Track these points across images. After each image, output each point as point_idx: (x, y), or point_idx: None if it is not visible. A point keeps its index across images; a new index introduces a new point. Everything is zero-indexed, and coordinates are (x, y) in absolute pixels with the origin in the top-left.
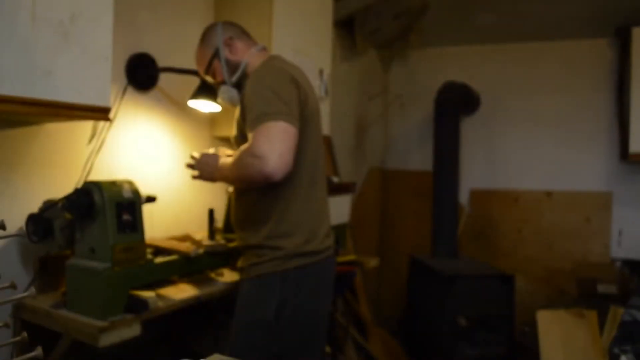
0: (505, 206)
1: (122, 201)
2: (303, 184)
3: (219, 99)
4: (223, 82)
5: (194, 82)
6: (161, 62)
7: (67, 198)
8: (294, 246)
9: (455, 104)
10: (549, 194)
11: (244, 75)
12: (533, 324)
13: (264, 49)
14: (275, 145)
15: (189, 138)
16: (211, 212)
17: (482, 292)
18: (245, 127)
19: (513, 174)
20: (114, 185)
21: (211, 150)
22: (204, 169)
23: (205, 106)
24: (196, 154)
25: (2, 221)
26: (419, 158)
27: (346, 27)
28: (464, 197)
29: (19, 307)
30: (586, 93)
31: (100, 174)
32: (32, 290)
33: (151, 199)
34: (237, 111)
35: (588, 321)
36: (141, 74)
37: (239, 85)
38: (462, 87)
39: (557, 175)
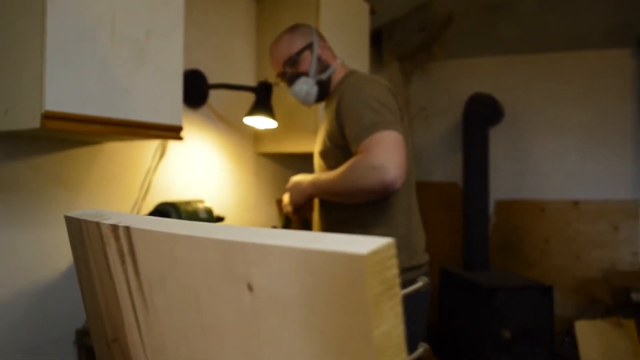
0: (532, 216)
1: (198, 221)
2: (402, 196)
3: (294, 88)
4: (304, 75)
5: (240, 98)
6: (209, 79)
7: None
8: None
9: (484, 115)
10: (576, 203)
11: (327, 81)
12: (567, 334)
13: (344, 63)
14: (392, 155)
15: (233, 155)
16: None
17: (521, 304)
18: (343, 139)
19: (539, 184)
20: (189, 205)
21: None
22: (293, 190)
23: (261, 122)
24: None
25: None
26: (444, 169)
27: (372, 40)
28: (489, 208)
29: (83, 333)
30: (610, 102)
31: (156, 193)
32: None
33: (220, 219)
34: (324, 126)
35: (627, 330)
36: (194, 91)
37: (320, 88)
38: (489, 98)
39: (584, 185)
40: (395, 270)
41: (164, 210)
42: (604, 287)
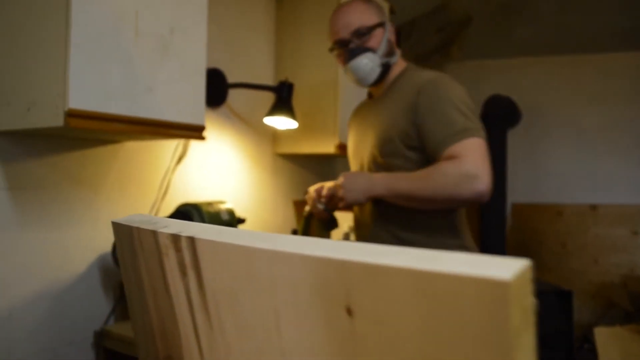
0: (549, 220)
1: (220, 223)
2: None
3: (358, 61)
4: (371, 51)
5: (259, 98)
6: (228, 78)
7: None
8: None
9: (502, 117)
10: (593, 207)
11: (388, 68)
12: (584, 340)
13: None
14: (485, 164)
15: (252, 155)
16: (294, 233)
17: (540, 309)
18: (419, 139)
19: (556, 188)
20: (211, 206)
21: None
22: (352, 189)
23: (281, 123)
24: (323, 187)
25: None
26: None
27: None
28: (506, 211)
29: (101, 335)
30: (628, 105)
31: (175, 194)
32: None
33: (242, 221)
34: (386, 120)
35: None
36: (214, 90)
37: (382, 71)
38: (507, 100)
39: (602, 189)
40: (532, 297)
41: (186, 211)
42: (622, 292)
